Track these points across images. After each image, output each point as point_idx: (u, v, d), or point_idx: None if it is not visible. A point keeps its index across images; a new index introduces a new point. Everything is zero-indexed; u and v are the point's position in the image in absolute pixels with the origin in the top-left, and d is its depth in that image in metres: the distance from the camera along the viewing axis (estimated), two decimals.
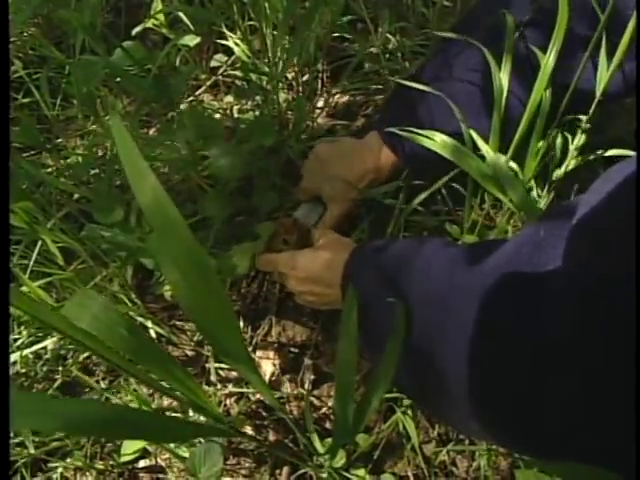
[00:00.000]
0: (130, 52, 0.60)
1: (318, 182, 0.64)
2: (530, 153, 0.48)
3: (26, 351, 0.59)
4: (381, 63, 0.77)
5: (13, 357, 0.57)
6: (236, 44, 0.75)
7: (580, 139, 0.48)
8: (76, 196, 0.69)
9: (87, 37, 0.47)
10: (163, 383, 0.36)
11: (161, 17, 0.67)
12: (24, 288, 0.51)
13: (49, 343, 0.58)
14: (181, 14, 0.75)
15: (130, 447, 0.52)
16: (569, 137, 0.50)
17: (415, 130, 0.49)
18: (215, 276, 0.32)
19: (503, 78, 0.47)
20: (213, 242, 0.58)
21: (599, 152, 0.54)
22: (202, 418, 0.42)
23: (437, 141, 0.45)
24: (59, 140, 0.81)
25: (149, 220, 0.29)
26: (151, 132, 0.83)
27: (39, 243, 0.52)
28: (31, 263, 0.52)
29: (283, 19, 0.61)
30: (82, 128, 0.84)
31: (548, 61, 0.42)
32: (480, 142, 0.46)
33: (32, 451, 0.54)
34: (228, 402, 0.60)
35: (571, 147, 0.48)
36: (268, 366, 0.61)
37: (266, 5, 0.67)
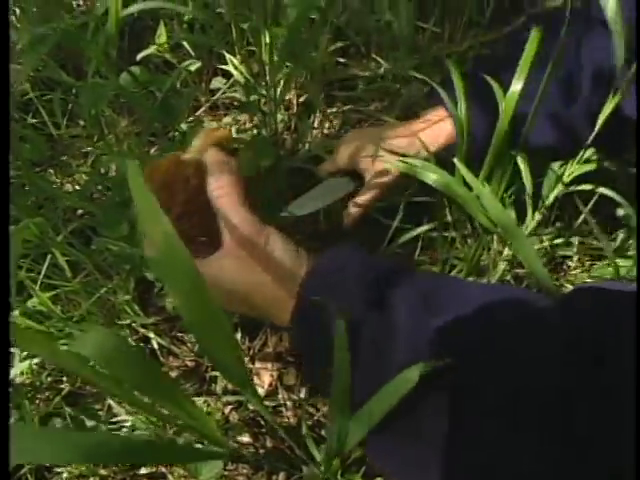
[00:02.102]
0: (136, 76, 0.64)
1: (357, 152, 0.61)
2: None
3: (28, 362, 0.61)
4: (373, 85, 0.82)
5: (19, 368, 0.59)
6: (235, 68, 0.79)
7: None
8: (80, 211, 0.72)
9: (101, 65, 0.50)
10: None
11: (163, 41, 0.71)
12: (34, 300, 0.53)
13: None
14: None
15: None
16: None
17: None
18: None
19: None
20: None
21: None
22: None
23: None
24: (64, 157, 0.84)
25: (158, 268, 0.30)
26: (152, 150, 0.86)
27: (48, 256, 0.55)
28: (41, 276, 0.54)
29: (283, 47, 0.64)
30: (86, 146, 0.87)
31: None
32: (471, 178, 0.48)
33: None
34: (227, 410, 0.63)
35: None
36: (266, 376, 0.64)
37: (265, 32, 0.71)
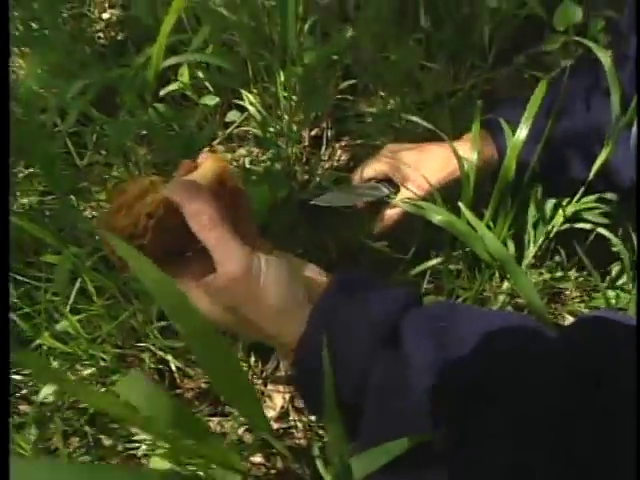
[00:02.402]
0: (162, 113, 0.68)
1: (397, 161, 0.64)
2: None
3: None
4: (380, 121, 0.86)
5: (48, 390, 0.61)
6: (250, 103, 0.83)
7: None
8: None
9: (135, 107, 0.54)
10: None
11: (186, 80, 0.75)
12: (64, 323, 0.57)
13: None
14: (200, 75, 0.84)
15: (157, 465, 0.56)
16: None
17: None
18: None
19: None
20: None
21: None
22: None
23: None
24: (84, 184, 0.88)
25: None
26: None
27: (78, 280, 0.58)
28: (70, 300, 0.57)
29: (299, 86, 0.69)
30: (105, 174, 0.91)
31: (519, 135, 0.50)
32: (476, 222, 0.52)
33: None
34: (240, 430, 0.65)
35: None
36: (278, 399, 0.66)
37: (280, 72, 0.76)
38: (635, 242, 0.61)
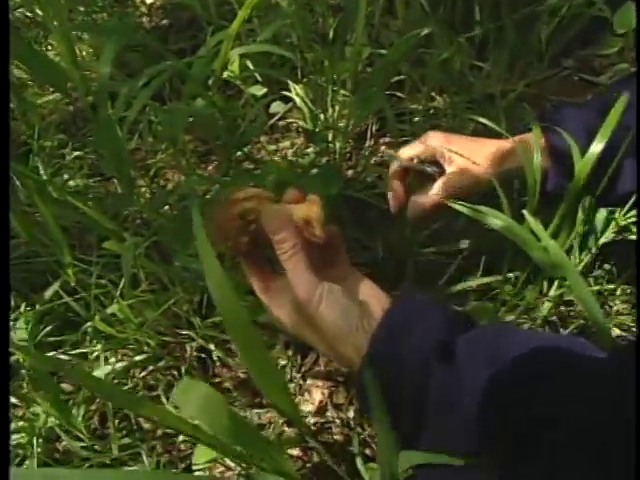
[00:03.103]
0: (214, 102, 0.68)
1: (446, 143, 0.60)
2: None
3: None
4: (426, 119, 0.85)
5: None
6: (297, 95, 0.83)
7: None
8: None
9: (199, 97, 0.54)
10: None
11: (236, 70, 0.75)
12: (115, 307, 0.57)
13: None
14: (249, 64, 0.84)
15: (203, 456, 0.57)
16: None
17: None
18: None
19: None
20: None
21: None
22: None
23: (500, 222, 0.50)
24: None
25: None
26: (210, 168, 0.91)
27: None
28: (120, 286, 0.58)
29: (349, 80, 0.68)
30: (144, 159, 0.91)
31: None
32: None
33: None
34: (281, 421, 0.66)
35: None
36: (317, 394, 0.67)
37: (331, 66, 0.76)
38: None
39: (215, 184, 0.69)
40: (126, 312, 0.57)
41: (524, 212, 0.49)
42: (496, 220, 0.49)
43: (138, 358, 0.62)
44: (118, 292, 0.58)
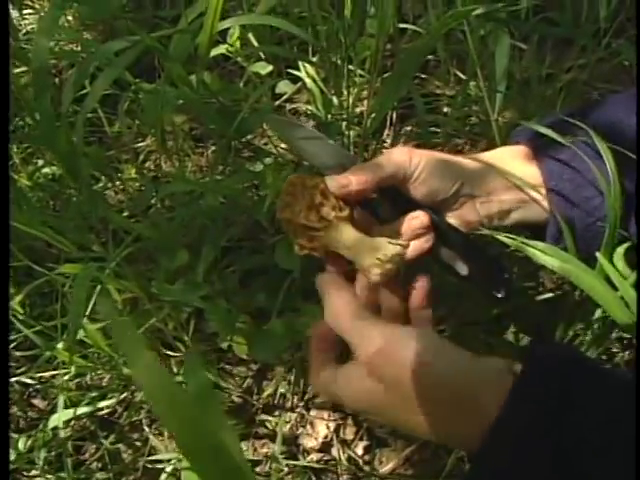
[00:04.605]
0: (208, 84, 0.57)
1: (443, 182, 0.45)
2: None
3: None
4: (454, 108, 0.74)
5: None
6: (308, 75, 0.72)
7: None
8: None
9: (179, 77, 0.43)
10: None
11: (237, 45, 0.64)
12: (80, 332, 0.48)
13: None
14: (252, 39, 0.73)
15: None
16: None
17: None
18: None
19: None
20: (284, 295, 0.54)
21: None
22: None
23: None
24: (111, 152, 0.78)
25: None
26: (208, 153, 0.80)
27: (97, 287, 0.49)
28: (89, 308, 0.48)
29: (372, 60, 0.57)
30: (131, 143, 0.81)
31: None
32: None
33: None
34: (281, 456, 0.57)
35: None
36: (322, 427, 0.58)
37: (346, 40, 0.64)
38: None
39: (204, 187, 0.59)
40: (95, 338, 0.47)
41: (597, 254, 0.38)
42: (552, 260, 0.38)
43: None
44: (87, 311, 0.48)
